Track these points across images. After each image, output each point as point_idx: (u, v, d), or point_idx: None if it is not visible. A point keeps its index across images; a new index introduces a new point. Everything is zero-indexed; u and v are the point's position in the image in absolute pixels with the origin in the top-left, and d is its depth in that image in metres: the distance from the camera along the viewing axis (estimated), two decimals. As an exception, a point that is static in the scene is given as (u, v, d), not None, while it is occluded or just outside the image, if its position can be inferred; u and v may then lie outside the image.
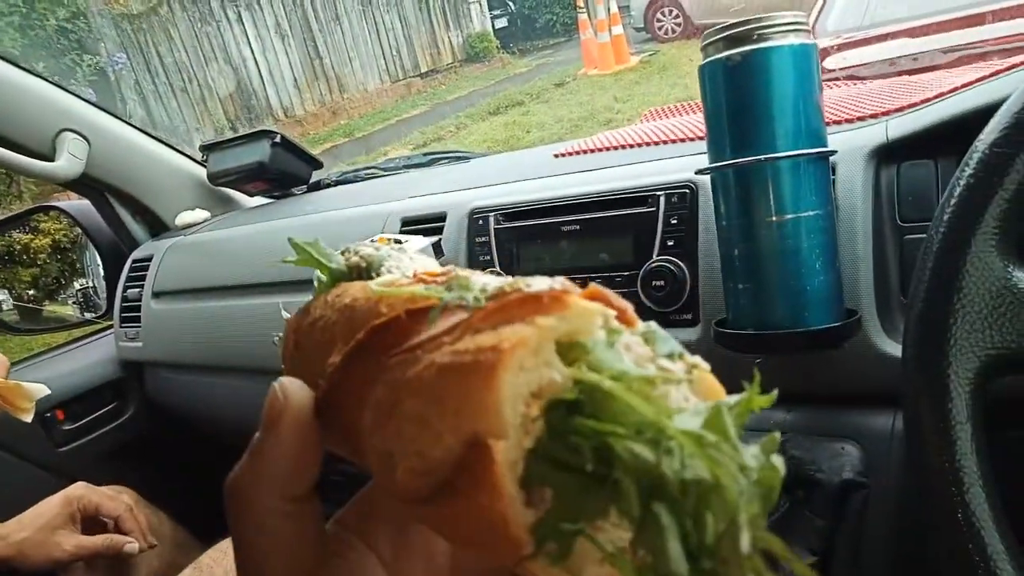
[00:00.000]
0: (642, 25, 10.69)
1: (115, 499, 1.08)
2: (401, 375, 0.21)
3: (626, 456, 0.18)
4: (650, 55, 9.76)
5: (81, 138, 1.30)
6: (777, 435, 0.19)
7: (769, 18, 0.57)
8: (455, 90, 11.61)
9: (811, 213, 0.58)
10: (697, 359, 0.22)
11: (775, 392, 0.20)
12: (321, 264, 0.30)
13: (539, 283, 0.21)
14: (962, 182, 0.43)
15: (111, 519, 1.06)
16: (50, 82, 1.30)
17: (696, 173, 0.64)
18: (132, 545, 1.03)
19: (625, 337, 0.21)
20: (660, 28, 10.42)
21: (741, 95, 0.59)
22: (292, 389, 0.25)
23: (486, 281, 0.23)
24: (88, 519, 1.04)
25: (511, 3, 14.84)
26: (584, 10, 10.31)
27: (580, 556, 0.20)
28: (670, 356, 0.22)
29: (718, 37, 0.59)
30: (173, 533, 1.26)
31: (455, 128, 9.20)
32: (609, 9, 9.61)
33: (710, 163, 0.62)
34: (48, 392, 0.71)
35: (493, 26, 13.93)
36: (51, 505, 1.02)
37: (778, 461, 0.19)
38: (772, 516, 0.63)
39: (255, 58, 10.70)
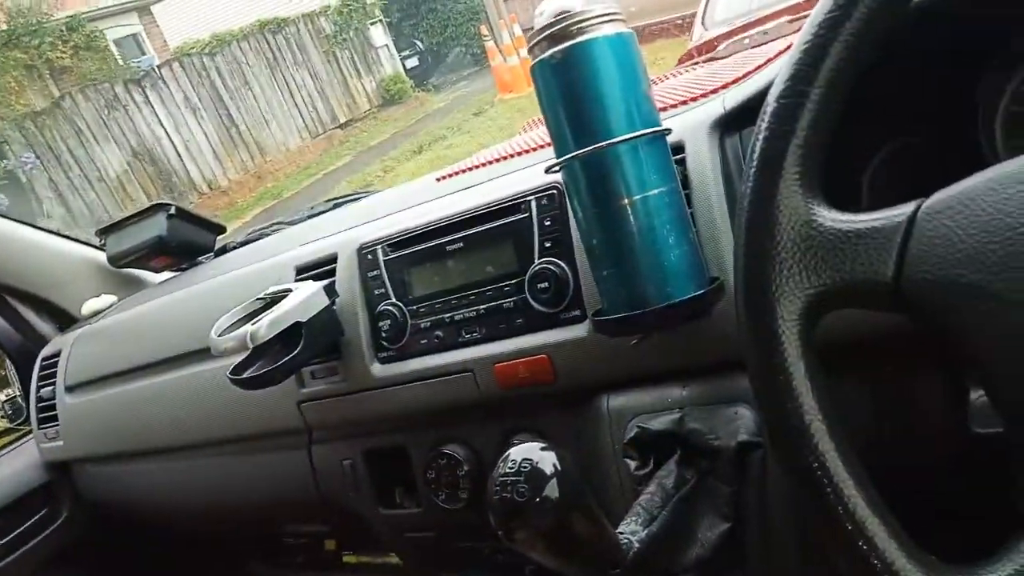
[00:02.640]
0: (547, 43, 10.88)
1: None
2: None
3: None
4: (560, 71, 9.93)
5: (-36, 244, 1.27)
6: None
7: (582, 13, 0.59)
8: (377, 135, 11.64)
9: (656, 191, 0.60)
10: None
11: None
12: None
13: None
14: (760, 136, 0.45)
15: None
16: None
17: (545, 172, 0.66)
18: None
19: None
20: (565, 43, 10.62)
21: (570, 90, 0.60)
22: None
23: None
24: None
25: (418, 42, 15.01)
26: (489, 37, 10.48)
27: None
28: None
29: (540, 38, 0.61)
30: (126, 630, 1.21)
31: (382, 172, 9.20)
32: (513, 33, 9.80)
33: (556, 159, 0.64)
34: None
35: (404, 67, 14.05)
36: None
37: None
38: (681, 490, 0.64)
39: (169, 136, 10.58)
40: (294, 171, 11.16)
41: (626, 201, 0.60)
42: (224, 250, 1.49)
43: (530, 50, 0.63)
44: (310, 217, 1.47)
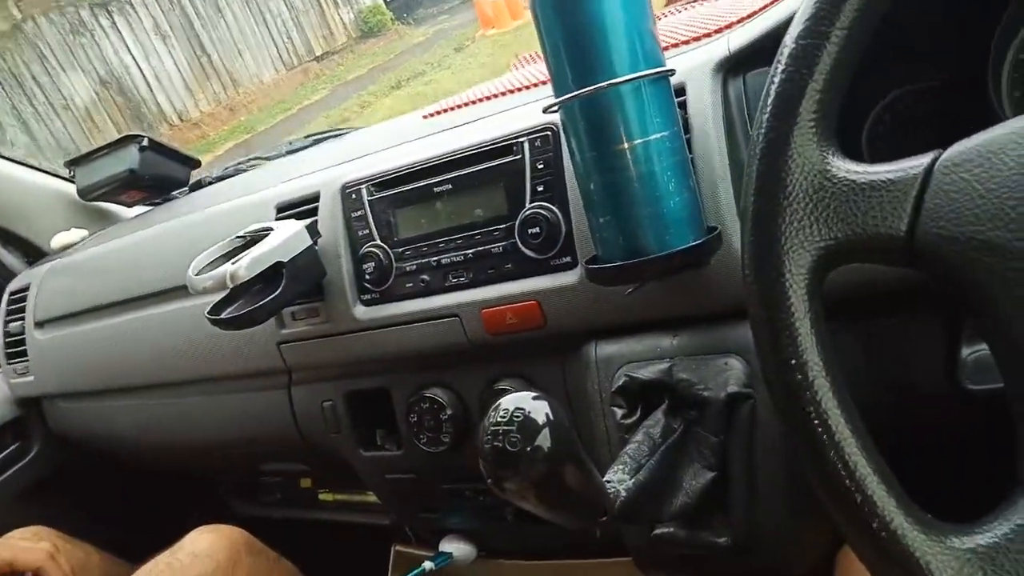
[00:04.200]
0: (532, -21, 10.60)
1: (31, 550, 1.02)
2: None
3: None
4: (544, 8, 9.69)
5: (-74, 172, 1.21)
6: None
7: (587, -59, 0.56)
8: (354, 69, 11.33)
9: (658, 136, 0.58)
10: None
11: None
12: None
13: None
14: (775, 79, 0.43)
15: (31, 571, 1.00)
16: None
17: (544, 112, 0.63)
18: None
19: None
20: (550, -20, 10.34)
21: (573, 24, 0.57)
22: None
23: None
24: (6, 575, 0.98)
25: (398, -28, 14.49)
26: (472, -30, 10.15)
27: None
28: None
29: (542, -32, 0.58)
30: (102, 563, 1.21)
31: (359, 108, 8.99)
32: (497, -34, 9.50)
33: (555, 99, 0.61)
34: None
35: (383, -2, 13.58)
36: None
37: None
38: (668, 439, 0.64)
39: (138, 64, 10.19)
40: (268, 104, 10.86)
41: (626, 145, 0.58)
42: (199, 185, 1.44)
43: (531, -20, 0.59)
44: (289, 153, 1.42)
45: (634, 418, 0.69)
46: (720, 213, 0.64)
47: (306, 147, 1.42)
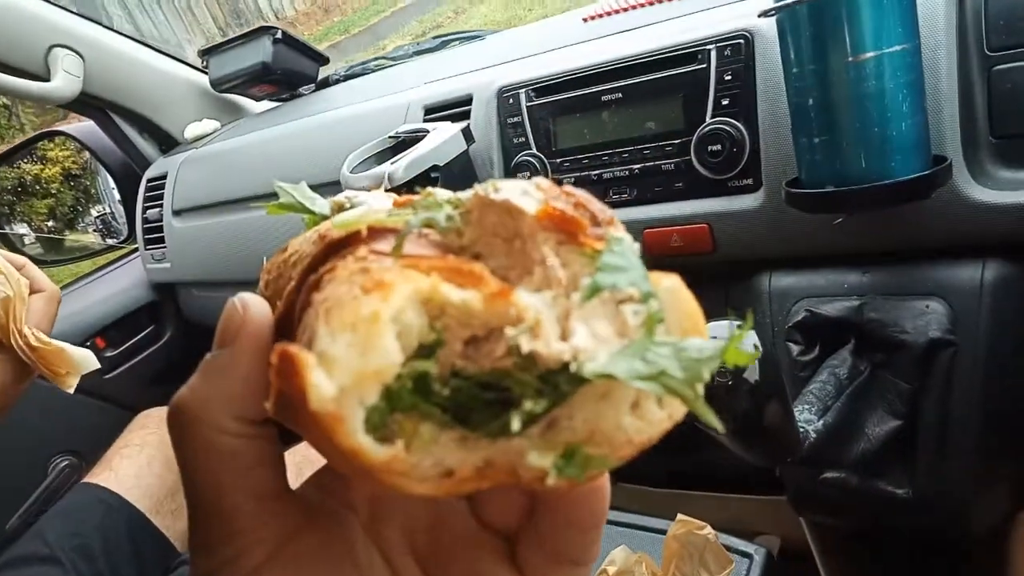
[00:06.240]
0: None
1: None
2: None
3: None
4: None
5: (74, 54, 1.23)
6: None
7: None
8: (449, -28, 11.01)
9: (896, 48, 0.52)
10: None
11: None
12: (305, 208, 0.28)
13: (508, 189, 0.20)
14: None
15: None
16: (31, -5, 1.21)
17: (760, 16, 0.57)
18: None
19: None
20: None
21: (811, -84, 0.51)
22: (252, 303, 0.22)
23: (457, 196, 0.22)
24: None
25: None
26: None
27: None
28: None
29: None
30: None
31: (453, 13, 8.77)
32: None
33: (775, 1, 0.55)
34: (97, 366, 0.64)
35: None
36: None
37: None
38: (855, 382, 0.60)
39: (237, -42, 10.15)
40: (362, 6, 10.72)
41: (859, 58, 0.52)
42: (326, 83, 1.43)
43: None
44: (417, 54, 1.39)
45: (811, 355, 0.65)
46: (943, 140, 0.58)
47: (435, 48, 1.38)
